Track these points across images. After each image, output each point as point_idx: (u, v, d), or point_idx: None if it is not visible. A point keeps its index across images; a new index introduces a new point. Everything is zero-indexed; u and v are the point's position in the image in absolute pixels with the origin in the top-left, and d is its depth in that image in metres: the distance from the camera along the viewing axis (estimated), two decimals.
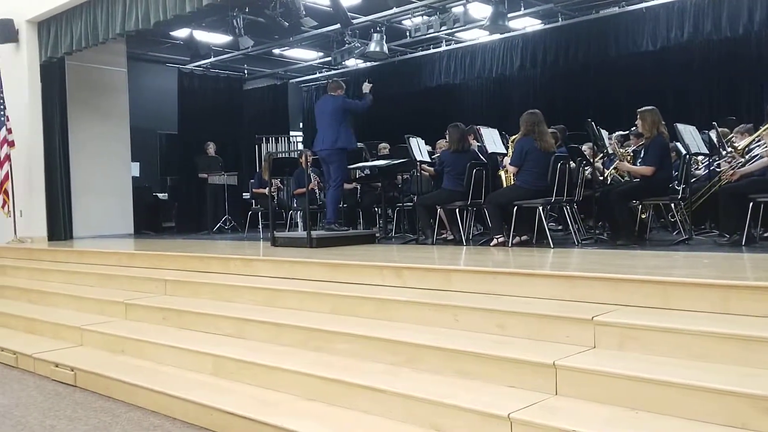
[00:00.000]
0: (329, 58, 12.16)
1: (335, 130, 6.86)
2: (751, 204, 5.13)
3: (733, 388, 2.55)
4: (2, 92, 9.12)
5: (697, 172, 6.71)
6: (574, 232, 6.07)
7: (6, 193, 9.12)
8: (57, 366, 4.62)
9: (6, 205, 9.15)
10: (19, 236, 9.19)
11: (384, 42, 10.37)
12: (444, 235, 6.91)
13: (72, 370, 4.49)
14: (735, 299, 3.16)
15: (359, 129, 9.69)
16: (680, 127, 5.91)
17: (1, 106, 9.08)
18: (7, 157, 9.06)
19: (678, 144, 6.28)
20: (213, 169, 10.44)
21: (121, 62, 10.81)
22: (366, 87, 7.26)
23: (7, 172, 9.08)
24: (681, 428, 2.56)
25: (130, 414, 3.82)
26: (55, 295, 6.30)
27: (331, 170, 7.01)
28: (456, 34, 11.79)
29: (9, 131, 9.05)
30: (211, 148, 10.79)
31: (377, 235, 7.28)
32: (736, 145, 6.18)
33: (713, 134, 6.36)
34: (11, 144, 9.06)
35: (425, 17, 10.09)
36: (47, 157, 9.38)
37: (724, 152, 6.25)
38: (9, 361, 5.12)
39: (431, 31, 10.21)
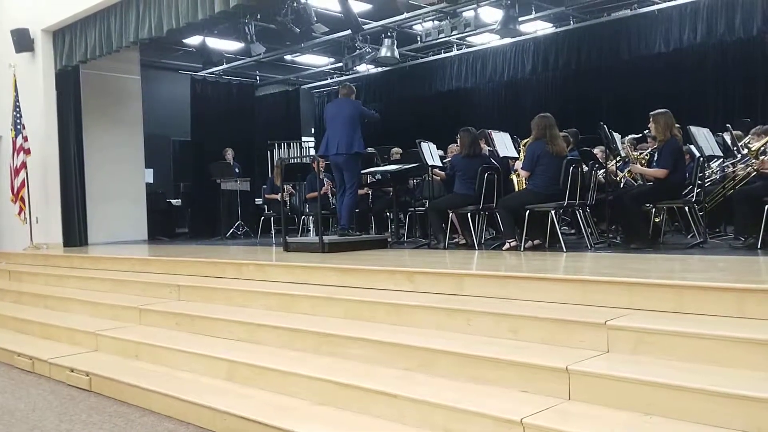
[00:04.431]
0: (341, 64, 12.19)
1: (350, 134, 6.81)
2: (766, 207, 5.08)
3: (749, 393, 2.52)
4: (18, 101, 9.23)
5: (713, 176, 6.66)
6: (587, 235, 6.04)
7: (22, 200, 9.23)
8: (72, 371, 4.66)
9: (22, 212, 9.25)
10: (35, 243, 9.29)
11: (395, 47, 10.38)
12: (456, 240, 6.90)
13: (87, 375, 4.52)
14: (751, 303, 3.13)
15: (371, 134, 9.71)
16: (694, 129, 5.86)
17: (18, 115, 9.20)
18: (24, 165, 9.18)
19: (692, 147, 6.23)
20: (226, 174, 10.49)
21: (134, 70, 10.91)
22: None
23: (24, 179, 9.20)
24: None
25: (144, 419, 3.85)
26: (70, 301, 6.36)
27: (345, 177, 6.95)
28: (467, 39, 11.79)
29: (25, 139, 9.16)
30: (229, 154, 10.84)
31: (389, 239, 7.28)
32: (750, 146, 6.13)
33: (727, 136, 6.31)
34: (27, 152, 9.17)
35: (436, 22, 10.10)
36: (62, 164, 9.48)
37: (739, 155, 6.20)
38: (25, 366, 5.17)
39: (442, 35, 10.21)
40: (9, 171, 9.41)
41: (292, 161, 10.79)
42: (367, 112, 7.22)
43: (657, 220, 6.17)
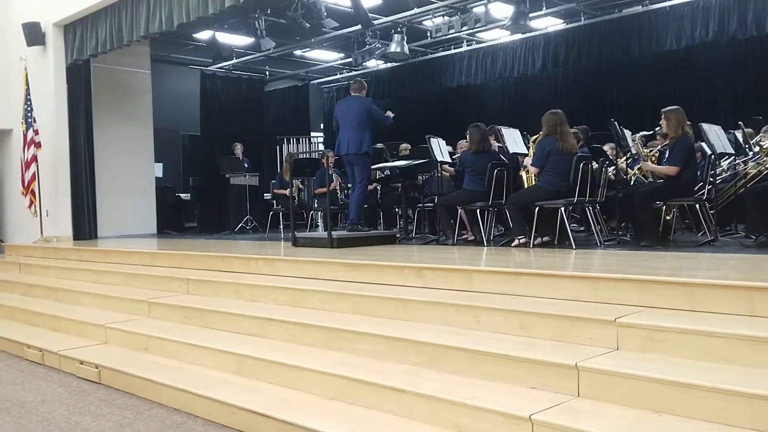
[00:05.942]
0: (350, 59, 12.19)
1: (361, 134, 6.81)
2: None
3: (760, 391, 2.51)
4: (29, 94, 9.28)
5: (724, 174, 6.62)
6: (597, 233, 6.01)
7: (33, 193, 9.28)
8: (82, 363, 4.69)
9: (33, 205, 9.31)
10: (46, 236, 9.34)
11: (405, 42, 10.36)
12: (465, 236, 6.89)
13: (96, 368, 4.55)
14: (762, 301, 3.11)
15: (381, 130, 9.73)
16: (705, 126, 5.83)
17: (29, 108, 9.25)
18: (34, 158, 9.23)
19: (703, 144, 6.19)
20: (235, 169, 10.52)
21: (144, 64, 10.94)
22: (389, 114, 7.31)
23: (34, 172, 9.25)
24: None
25: (153, 411, 3.87)
26: (80, 294, 6.39)
27: (355, 172, 6.98)
28: (477, 35, 11.75)
29: (36, 132, 9.21)
30: (239, 149, 10.86)
31: (398, 235, 7.28)
32: (762, 144, 6.09)
33: (739, 134, 6.26)
34: (38, 145, 9.22)
35: (446, 17, 10.08)
36: (73, 158, 9.53)
37: (751, 153, 6.16)
38: (35, 358, 5.21)
39: (452, 31, 10.19)
40: (20, 164, 9.47)
41: (301, 156, 10.79)
42: (377, 112, 7.14)
43: (668, 217, 6.14)
